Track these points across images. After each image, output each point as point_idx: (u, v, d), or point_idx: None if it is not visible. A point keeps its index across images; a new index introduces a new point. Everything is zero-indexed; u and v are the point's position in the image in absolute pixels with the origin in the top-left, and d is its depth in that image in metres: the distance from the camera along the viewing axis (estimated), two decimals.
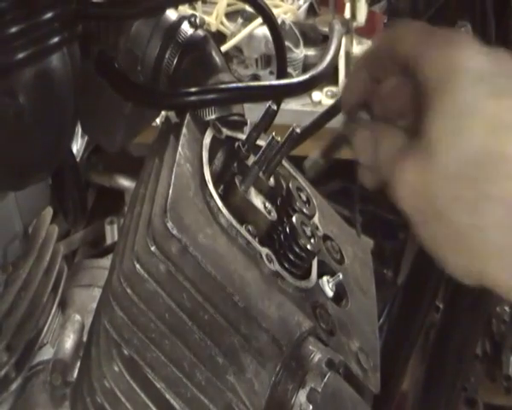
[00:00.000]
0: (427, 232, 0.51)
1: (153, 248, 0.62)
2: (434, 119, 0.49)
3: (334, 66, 0.87)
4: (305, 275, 0.72)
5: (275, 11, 1.69)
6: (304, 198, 0.77)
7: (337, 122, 0.71)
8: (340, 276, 0.75)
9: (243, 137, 0.78)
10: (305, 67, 1.98)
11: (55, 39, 0.68)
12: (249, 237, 0.68)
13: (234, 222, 0.68)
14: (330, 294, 0.74)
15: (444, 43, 0.50)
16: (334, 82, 1.93)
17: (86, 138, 1.33)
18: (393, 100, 0.57)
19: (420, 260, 1.21)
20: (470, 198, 0.46)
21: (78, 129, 1.00)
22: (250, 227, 0.70)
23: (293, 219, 0.72)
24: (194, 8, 2.00)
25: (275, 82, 0.90)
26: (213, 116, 0.82)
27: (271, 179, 0.76)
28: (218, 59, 0.88)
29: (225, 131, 0.78)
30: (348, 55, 1.97)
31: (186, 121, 0.76)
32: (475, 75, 0.47)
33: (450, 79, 0.48)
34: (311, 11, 2.25)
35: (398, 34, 0.54)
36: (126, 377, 0.66)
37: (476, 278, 0.50)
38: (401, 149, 0.52)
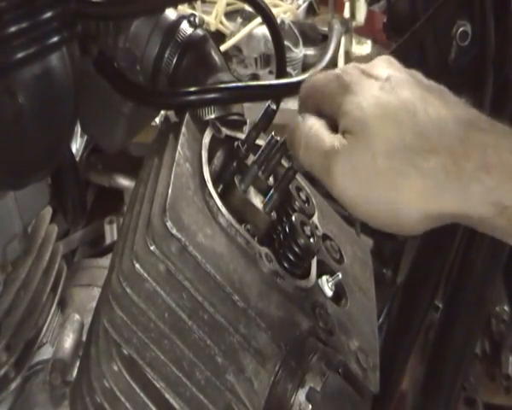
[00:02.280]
0: (367, 207, 0.61)
1: (152, 248, 0.62)
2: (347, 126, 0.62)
3: (333, 65, 0.87)
4: (305, 274, 0.72)
5: (274, 10, 1.69)
6: (303, 197, 0.77)
7: None
8: (340, 275, 0.75)
9: (242, 136, 0.78)
10: (305, 67, 1.98)
11: (55, 39, 0.68)
12: (248, 237, 0.68)
13: (233, 222, 0.68)
14: (330, 293, 0.74)
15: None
16: None
17: (86, 138, 1.33)
18: None
19: (419, 259, 1.21)
20: (393, 167, 0.59)
21: (78, 128, 1.00)
22: (249, 227, 0.70)
23: (293, 218, 0.72)
24: (194, 8, 2.00)
25: (274, 81, 0.90)
26: (213, 116, 0.82)
27: (271, 179, 0.76)
28: (217, 58, 0.88)
29: (225, 131, 0.78)
30: (347, 54, 1.97)
31: (185, 121, 0.76)
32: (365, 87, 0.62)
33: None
34: (311, 10, 2.25)
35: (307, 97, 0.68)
36: (126, 377, 0.66)
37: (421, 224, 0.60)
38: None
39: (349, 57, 1.95)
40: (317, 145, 0.63)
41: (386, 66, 0.64)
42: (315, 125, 0.64)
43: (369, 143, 0.59)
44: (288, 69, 1.85)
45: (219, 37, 2.02)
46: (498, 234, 0.58)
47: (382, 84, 0.62)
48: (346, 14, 2.06)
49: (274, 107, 0.73)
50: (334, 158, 0.61)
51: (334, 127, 0.64)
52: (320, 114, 0.66)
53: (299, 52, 1.97)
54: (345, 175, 0.60)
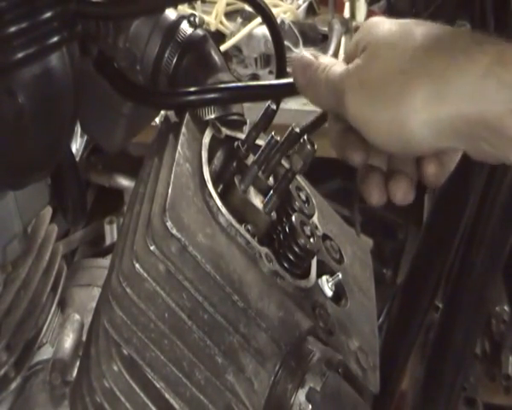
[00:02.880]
0: (378, 124, 0.60)
1: (152, 248, 0.62)
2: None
3: None
4: (305, 274, 0.72)
5: (274, 10, 1.69)
6: (303, 197, 0.77)
7: None
8: (340, 275, 0.75)
9: (242, 136, 0.78)
10: None
11: (55, 39, 0.68)
12: (248, 237, 0.68)
13: (233, 222, 0.68)
14: (330, 293, 0.74)
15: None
16: None
17: (86, 138, 1.33)
18: None
19: (419, 259, 1.21)
20: (402, 70, 0.58)
21: (78, 128, 1.00)
22: (249, 227, 0.70)
23: (293, 218, 0.72)
24: (194, 8, 2.00)
25: (274, 81, 0.90)
26: (213, 116, 0.82)
27: (271, 179, 0.76)
28: (217, 58, 0.88)
29: (225, 131, 0.78)
30: None
31: (185, 121, 0.76)
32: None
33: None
34: (311, 10, 2.25)
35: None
36: (126, 377, 0.66)
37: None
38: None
39: None
40: (333, 70, 0.64)
41: None
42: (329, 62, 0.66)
43: (382, 52, 0.61)
44: (288, 69, 1.84)
45: (219, 37, 2.02)
46: (507, 140, 0.55)
47: None
48: (346, 14, 2.06)
49: (274, 107, 0.73)
50: (347, 77, 0.62)
51: None
52: None
53: (299, 52, 1.97)
54: (356, 92, 0.61)
